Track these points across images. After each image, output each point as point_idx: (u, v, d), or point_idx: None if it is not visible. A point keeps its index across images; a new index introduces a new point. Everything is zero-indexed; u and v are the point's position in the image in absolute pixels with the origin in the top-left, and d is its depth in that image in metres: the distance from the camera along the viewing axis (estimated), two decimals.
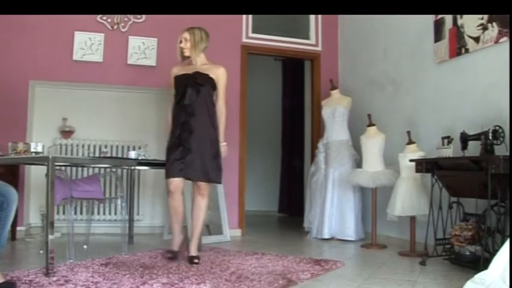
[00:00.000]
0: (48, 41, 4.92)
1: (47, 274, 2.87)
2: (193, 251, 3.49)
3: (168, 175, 3.47)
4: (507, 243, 2.42)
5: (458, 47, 3.89)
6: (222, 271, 3.11)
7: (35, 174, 4.69)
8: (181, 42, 3.61)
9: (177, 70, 3.67)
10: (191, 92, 3.50)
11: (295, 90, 7.77)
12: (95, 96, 5.11)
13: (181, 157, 3.45)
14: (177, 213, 3.55)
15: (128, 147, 5.01)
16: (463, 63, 3.87)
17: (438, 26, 4.13)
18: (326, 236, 4.82)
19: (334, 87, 5.20)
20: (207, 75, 3.57)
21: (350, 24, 5.64)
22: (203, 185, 3.52)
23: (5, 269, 2.88)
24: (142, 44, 5.13)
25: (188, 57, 3.64)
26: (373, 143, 4.58)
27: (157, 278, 2.85)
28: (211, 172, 3.50)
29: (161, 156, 4.78)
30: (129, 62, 5.11)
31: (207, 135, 3.50)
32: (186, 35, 3.61)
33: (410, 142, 4.14)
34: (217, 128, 3.58)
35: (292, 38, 5.68)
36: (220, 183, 3.68)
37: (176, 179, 3.46)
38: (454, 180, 3.46)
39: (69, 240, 3.70)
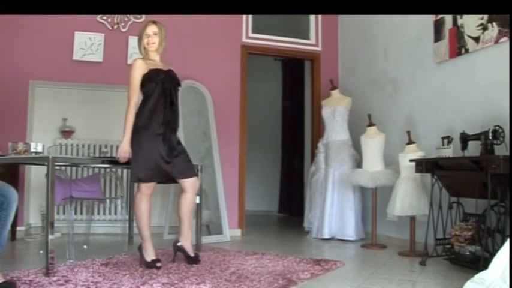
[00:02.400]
0: (48, 41, 4.93)
1: (47, 274, 2.87)
2: (192, 250, 3.44)
3: (152, 178, 3.24)
4: (507, 243, 2.42)
5: (458, 47, 3.89)
6: (222, 271, 3.11)
7: (35, 174, 4.69)
8: (148, 36, 3.34)
9: (145, 65, 3.31)
10: (175, 92, 3.38)
11: (295, 90, 7.77)
12: (95, 96, 5.11)
13: (168, 158, 3.25)
14: (148, 217, 3.31)
15: None
16: (463, 64, 3.87)
17: (438, 26, 4.13)
18: (326, 236, 4.82)
19: (334, 87, 5.20)
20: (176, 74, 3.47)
21: (350, 24, 5.64)
22: (196, 179, 3.44)
23: (5, 269, 2.88)
24: None
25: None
26: (373, 143, 4.58)
27: (157, 278, 2.85)
28: (193, 167, 3.48)
29: None
30: (129, 62, 5.08)
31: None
32: (155, 28, 3.35)
33: (410, 142, 4.14)
34: None
35: (292, 38, 5.68)
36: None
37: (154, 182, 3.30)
38: (454, 180, 3.46)
39: (69, 240, 3.70)
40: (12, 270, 2.94)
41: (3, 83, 4.73)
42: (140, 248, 3.30)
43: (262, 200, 7.94)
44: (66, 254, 3.57)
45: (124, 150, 3.25)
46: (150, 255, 3.23)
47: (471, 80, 3.77)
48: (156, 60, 3.42)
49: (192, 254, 3.39)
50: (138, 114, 3.28)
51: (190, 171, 3.40)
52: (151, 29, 3.36)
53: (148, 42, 3.36)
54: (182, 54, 5.19)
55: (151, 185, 3.29)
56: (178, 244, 3.41)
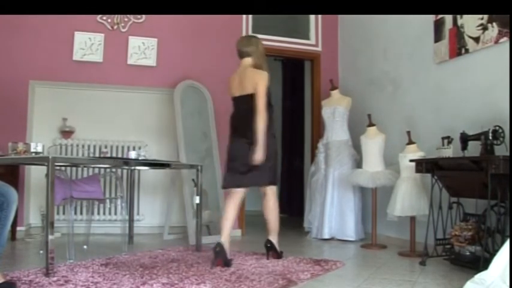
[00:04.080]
0: (48, 41, 4.93)
1: (47, 274, 2.87)
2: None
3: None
4: (507, 243, 2.42)
5: (458, 47, 3.89)
6: (222, 271, 3.12)
7: (35, 175, 4.69)
8: None
9: None
10: None
11: (295, 90, 7.77)
12: (95, 96, 5.11)
13: None
14: None
15: (128, 147, 5.02)
16: (463, 64, 3.87)
17: (438, 26, 4.13)
18: (326, 236, 4.82)
19: (334, 88, 5.20)
20: None
21: (350, 24, 5.64)
22: None
23: (5, 269, 2.88)
24: (142, 44, 5.13)
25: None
26: (373, 143, 4.58)
27: (157, 278, 2.85)
28: None
29: (161, 156, 4.81)
30: (129, 62, 5.11)
31: None
32: None
33: (410, 142, 4.14)
34: None
35: (292, 38, 5.68)
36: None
37: None
38: (454, 180, 3.45)
39: (69, 240, 3.70)
40: (12, 270, 2.94)
41: (3, 83, 4.73)
42: (271, 243, 3.66)
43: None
44: (66, 254, 3.57)
45: (262, 155, 3.46)
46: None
47: (471, 80, 3.77)
48: None
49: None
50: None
51: None
52: None
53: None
54: (182, 54, 5.19)
55: None
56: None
